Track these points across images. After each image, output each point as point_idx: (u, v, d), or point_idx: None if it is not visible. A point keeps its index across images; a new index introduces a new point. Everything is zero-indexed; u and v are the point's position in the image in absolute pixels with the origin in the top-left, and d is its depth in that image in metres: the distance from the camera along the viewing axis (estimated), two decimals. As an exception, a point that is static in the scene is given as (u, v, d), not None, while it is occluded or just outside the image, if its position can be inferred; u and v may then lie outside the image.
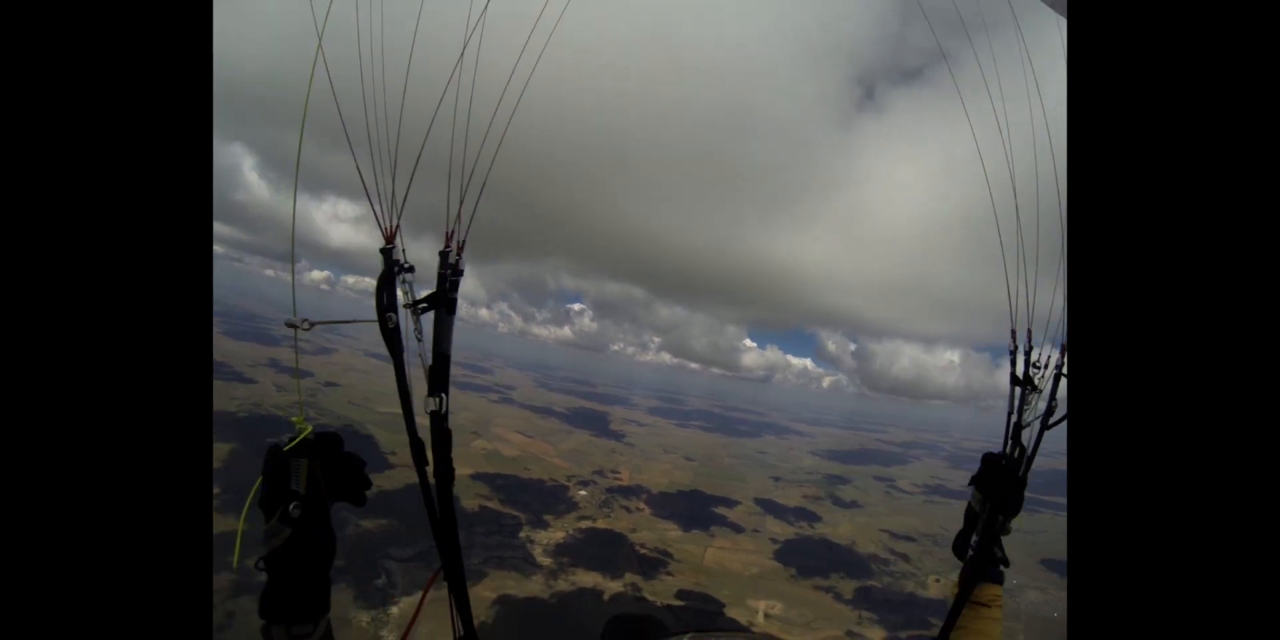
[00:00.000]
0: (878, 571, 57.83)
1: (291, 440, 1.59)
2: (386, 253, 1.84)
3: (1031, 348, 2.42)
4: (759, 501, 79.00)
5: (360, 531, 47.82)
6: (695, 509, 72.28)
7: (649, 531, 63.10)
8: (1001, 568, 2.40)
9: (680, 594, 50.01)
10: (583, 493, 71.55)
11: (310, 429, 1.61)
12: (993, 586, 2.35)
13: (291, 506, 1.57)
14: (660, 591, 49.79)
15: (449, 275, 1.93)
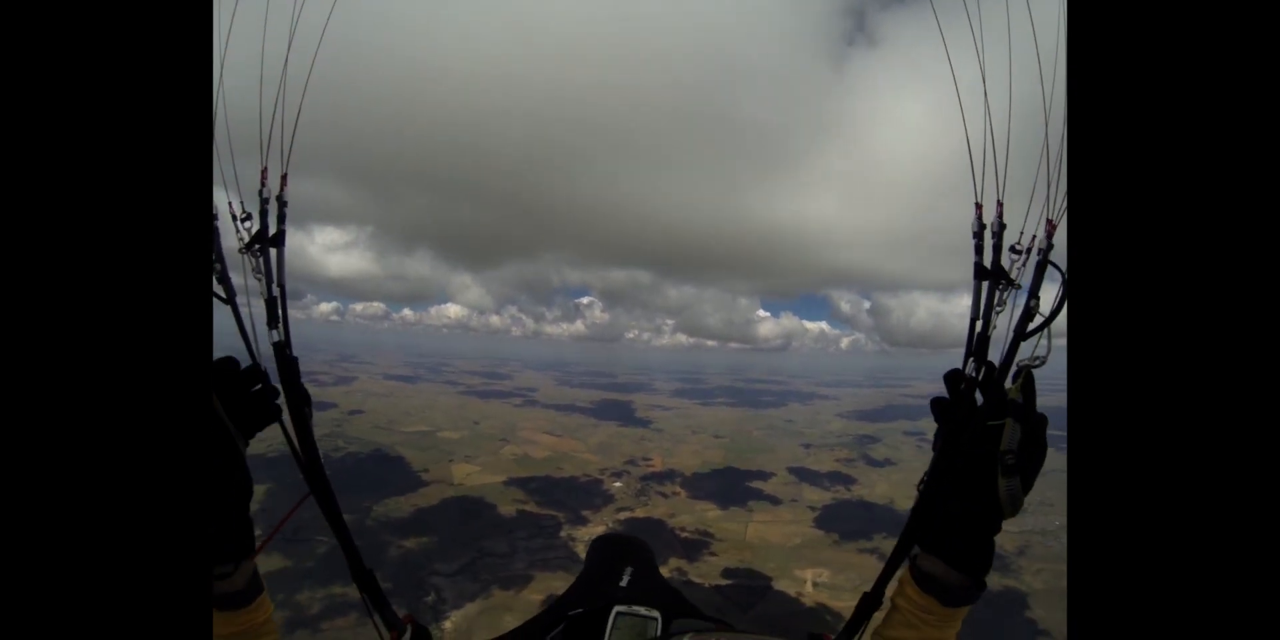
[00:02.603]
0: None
1: None
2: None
3: (1004, 227, 1.85)
4: (792, 470, 79.30)
5: (403, 551, 48.75)
6: (731, 486, 72.77)
7: (688, 514, 63.71)
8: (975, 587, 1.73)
9: (726, 572, 50.34)
10: (617, 484, 72.25)
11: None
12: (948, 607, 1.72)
13: None
14: (706, 573, 50.20)
15: (269, 211, 1.98)
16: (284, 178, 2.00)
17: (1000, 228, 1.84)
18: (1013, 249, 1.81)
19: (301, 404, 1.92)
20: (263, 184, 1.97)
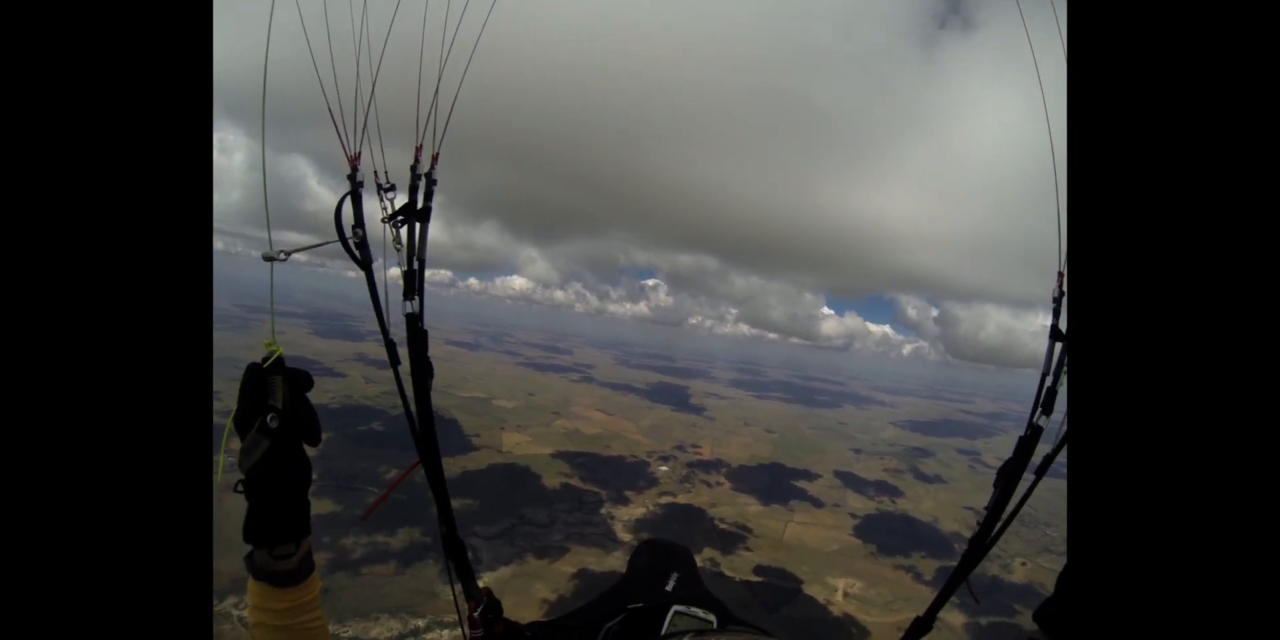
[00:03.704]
0: (960, 551, 54.48)
1: (265, 360, 1.59)
2: (350, 176, 1.98)
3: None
4: (839, 474, 78.09)
5: (447, 511, 50.19)
6: (775, 483, 72.30)
7: (729, 506, 63.64)
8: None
9: (758, 569, 50.29)
10: (663, 468, 72.53)
11: (281, 350, 1.60)
12: None
13: (270, 417, 1.56)
14: (739, 567, 50.27)
15: (419, 186, 2.04)
16: (435, 157, 2.06)
17: None
18: None
19: (425, 375, 1.99)
20: (416, 160, 2.05)
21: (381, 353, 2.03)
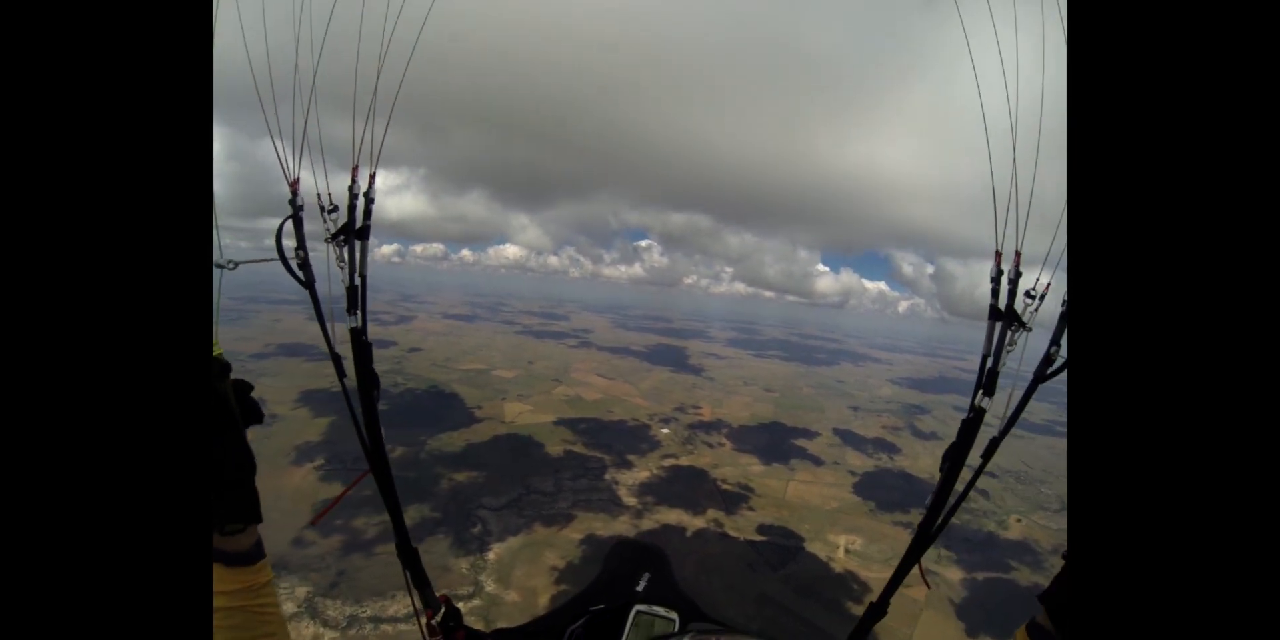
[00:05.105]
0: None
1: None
2: (290, 201, 2.06)
3: (1020, 275, 2.01)
4: (838, 432, 79.11)
5: (454, 484, 50.97)
6: (776, 442, 73.23)
7: (731, 466, 64.55)
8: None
9: (761, 528, 51.21)
10: (665, 431, 73.17)
11: (222, 351, 1.69)
12: None
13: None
14: (742, 527, 51.21)
15: (357, 206, 2.10)
16: (372, 177, 2.11)
17: (1017, 275, 2.01)
18: (1028, 294, 1.98)
19: (371, 387, 2.08)
20: (353, 181, 2.10)
21: (377, 333, 2.03)
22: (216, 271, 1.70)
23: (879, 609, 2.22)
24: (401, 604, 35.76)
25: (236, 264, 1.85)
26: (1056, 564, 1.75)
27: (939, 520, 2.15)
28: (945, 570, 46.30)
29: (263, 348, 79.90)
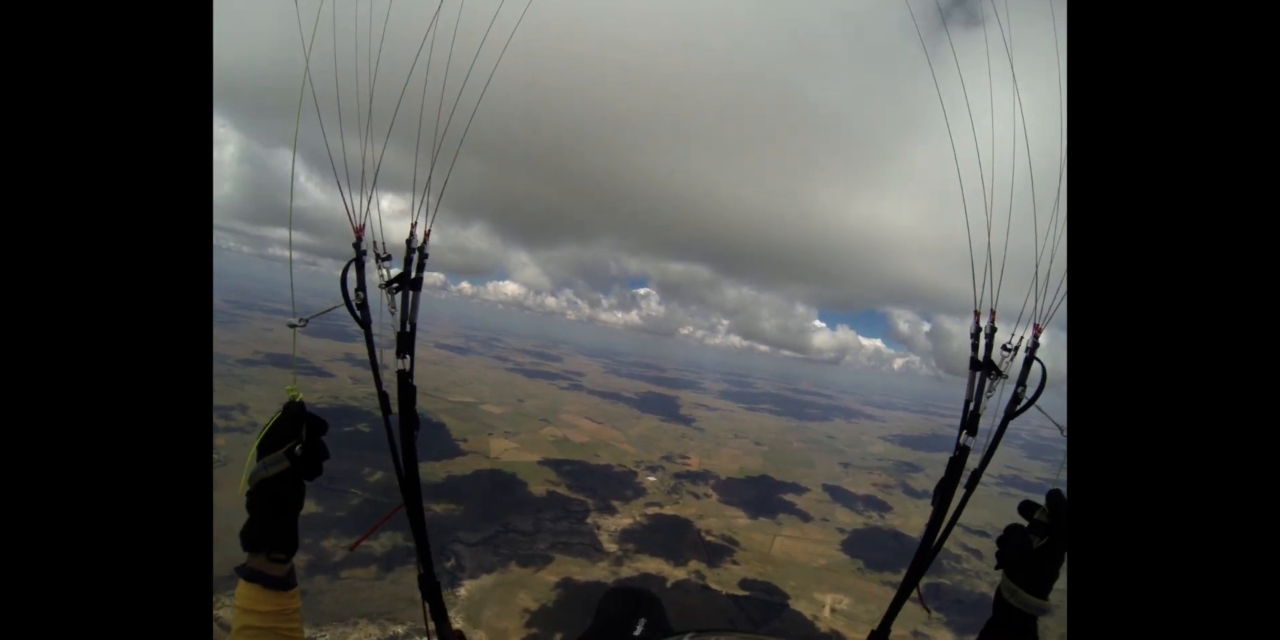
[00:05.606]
0: (949, 568, 55.14)
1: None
2: (355, 245, 2.22)
3: (995, 330, 2.29)
4: (828, 488, 77.95)
5: (431, 515, 49.47)
6: (764, 496, 72.07)
7: (716, 518, 63.33)
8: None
9: (744, 583, 49.79)
10: (651, 478, 72.14)
11: (301, 395, 1.93)
12: None
13: (296, 446, 1.87)
14: (725, 580, 49.81)
15: (413, 259, 2.26)
16: (428, 233, 2.29)
17: (992, 330, 2.27)
18: (1004, 347, 2.24)
19: (412, 427, 2.20)
20: (411, 235, 2.27)
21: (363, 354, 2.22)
22: (262, 262, 1.66)
23: (881, 637, 2.28)
24: (363, 632, 34.66)
25: (306, 320, 2.07)
26: (1049, 625, 1.87)
27: (935, 540, 2.28)
28: (936, 632, 44.71)
29: (252, 355, 77.62)
